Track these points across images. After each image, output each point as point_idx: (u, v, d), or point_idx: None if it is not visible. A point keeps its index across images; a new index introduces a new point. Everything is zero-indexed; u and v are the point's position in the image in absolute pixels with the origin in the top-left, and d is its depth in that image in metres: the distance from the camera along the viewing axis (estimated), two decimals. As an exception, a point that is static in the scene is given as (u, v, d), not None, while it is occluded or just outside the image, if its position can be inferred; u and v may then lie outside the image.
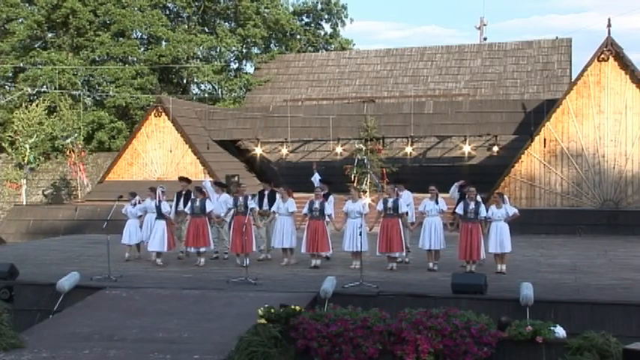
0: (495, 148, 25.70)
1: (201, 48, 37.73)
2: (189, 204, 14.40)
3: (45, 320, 10.49)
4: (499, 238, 12.86)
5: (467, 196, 13.11)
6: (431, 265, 13.53)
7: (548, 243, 17.74)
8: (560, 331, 8.86)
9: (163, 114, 26.34)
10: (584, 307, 9.94)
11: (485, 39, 36.73)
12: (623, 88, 21.62)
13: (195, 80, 38.58)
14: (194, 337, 9.16)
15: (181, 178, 15.99)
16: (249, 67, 40.59)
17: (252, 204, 14.33)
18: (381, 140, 26.08)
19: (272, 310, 9.29)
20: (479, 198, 13.44)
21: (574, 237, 19.32)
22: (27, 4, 35.48)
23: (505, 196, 13.86)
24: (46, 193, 31.15)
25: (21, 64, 34.18)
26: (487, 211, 12.96)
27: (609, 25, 21.63)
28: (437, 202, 13.57)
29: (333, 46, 42.24)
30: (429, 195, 13.71)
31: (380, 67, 33.29)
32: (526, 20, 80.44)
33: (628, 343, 8.25)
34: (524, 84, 30.37)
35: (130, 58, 35.56)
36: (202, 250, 14.41)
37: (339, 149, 26.89)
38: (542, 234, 19.07)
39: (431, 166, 26.92)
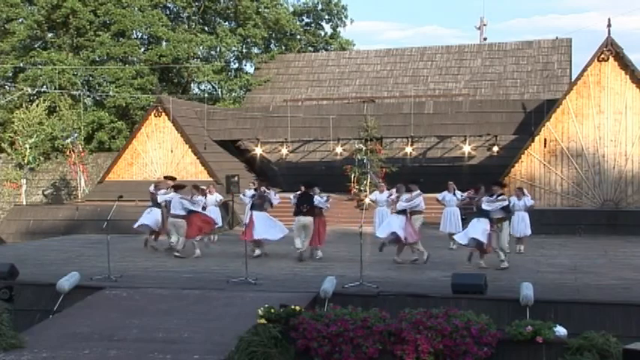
0: (495, 148, 25.73)
1: (201, 48, 37.75)
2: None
3: (45, 320, 10.47)
4: (521, 225, 15.62)
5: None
6: (451, 244, 16.22)
7: (548, 243, 17.74)
8: (561, 331, 8.86)
9: (163, 114, 26.34)
10: (584, 307, 9.93)
11: (485, 39, 36.74)
12: (623, 88, 21.62)
13: (196, 80, 38.59)
14: (194, 337, 9.16)
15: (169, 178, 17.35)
16: (249, 67, 40.66)
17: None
18: (381, 140, 26.10)
19: (272, 310, 9.28)
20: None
21: (574, 237, 19.32)
22: (27, 4, 35.48)
23: (525, 190, 16.79)
24: (46, 193, 31.15)
25: (21, 64, 34.19)
26: (509, 202, 14.79)
27: (609, 25, 21.64)
28: (454, 194, 16.41)
29: (333, 46, 42.24)
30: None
31: (380, 67, 33.30)
32: (527, 20, 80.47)
33: (628, 343, 8.24)
34: (524, 84, 30.39)
35: (130, 58, 35.55)
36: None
37: (339, 149, 26.90)
38: (542, 234, 19.07)
39: (431, 166, 26.94)
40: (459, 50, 33.00)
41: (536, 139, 22.30)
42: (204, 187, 17.19)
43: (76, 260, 15.32)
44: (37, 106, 29.12)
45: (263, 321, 9.06)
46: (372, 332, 8.97)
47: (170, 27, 36.82)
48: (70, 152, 28.26)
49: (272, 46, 40.74)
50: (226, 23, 39.96)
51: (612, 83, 21.67)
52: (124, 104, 33.90)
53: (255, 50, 39.90)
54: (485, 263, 13.51)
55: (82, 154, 28.45)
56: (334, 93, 32.35)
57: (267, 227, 15.02)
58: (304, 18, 42.79)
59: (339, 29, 42.69)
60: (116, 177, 26.72)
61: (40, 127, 28.59)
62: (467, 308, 9.59)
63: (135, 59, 35.72)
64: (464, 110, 25.52)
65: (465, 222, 17.34)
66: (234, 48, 38.71)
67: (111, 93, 33.75)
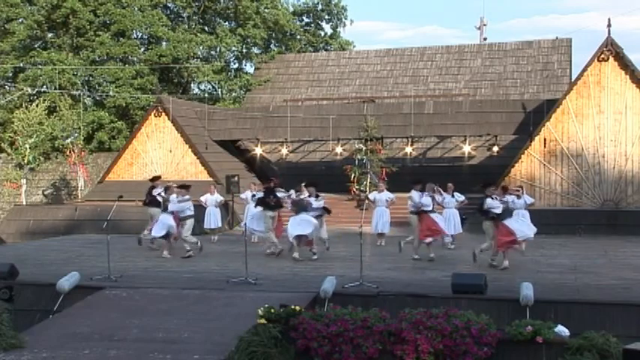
0: (495, 148, 25.73)
1: (201, 48, 37.74)
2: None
3: (45, 320, 10.48)
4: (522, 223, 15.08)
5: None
6: (450, 244, 16.47)
7: (548, 243, 17.71)
8: (564, 330, 8.86)
9: (163, 114, 26.34)
10: (584, 307, 9.93)
11: (485, 39, 36.74)
12: (623, 88, 21.61)
13: (196, 80, 38.58)
14: (194, 337, 9.16)
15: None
16: (249, 67, 40.65)
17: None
18: (381, 140, 26.09)
19: (272, 310, 9.28)
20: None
21: (574, 237, 19.31)
22: (27, 4, 35.45)
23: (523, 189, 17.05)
24: (46, 193, 31.14)
25: (21, 64, 34.16)
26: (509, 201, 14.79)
27: (609, 25, 21.63)
28: (453, 196, 16.64)
29: (332, 46, 42.24)
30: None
31: (380, 67, 33.30)
32: (527, 20, 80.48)
33: (628, 343, 8.24)
34: (524, 84, 30.38)
35: (130, 58, 35.55)
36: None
37: (339, 149, 26.89)
38: (542, 234, 19.02)
39: (431, 166, 26.93)
40: (459, 50, 32.99)
41: (536, 139, 22.29)
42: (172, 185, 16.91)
43: (76, 260, 15.32)
44: (37, 106, 29.11)
45: (263, 321, 9.07)
46: (372, 332, 8.97)
47: (170, 27, 36.80)
48: (70, 152, 28.25)
49: (272, 46, 40.72)
50: (226, 23, 39.95)
51: (612, 83, 21.66)
52: (124, 104, 33.88)
53: (255, 50, 39.89)
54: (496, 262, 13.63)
55: (82, 154, 28.44)
56: (334, 93, 32.34)
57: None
58: (304, 18, 42.81)
59: (338, 29, 42.75)
60: (116, 177, 26.71)
61: (40, 127, 28.58)
62: (467, 308, 9.60)
63: (135, 59, 35.71)
64: (464, 110, 25.51)
65: (465, 222, 17.45)
66: (234, 48, 38.70)
67: (111, 93, 33.74)
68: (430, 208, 14.57)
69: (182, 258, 15.31)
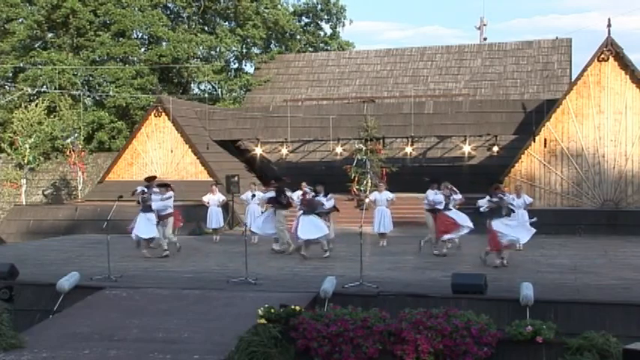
0: (495, 148, 25.73)
1: (201, 48, 37.74)
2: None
3: (45, 320, 10.48)
4: (521, 222, 15.23)
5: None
6: (448, 244, 15.96)
7: (548, 243, 17.71)
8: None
9: (163, 114, 26.34)
10: (584, 307, 9.93)
11: (485, 39, 36.74)
12: (623, 88, 21.61)
13: (196, 80, 38.58)
14: (194, 337, 9.16)
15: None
16: (249, 67, 40.66)
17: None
18: (381, 140, 26.09)
19: (272, 310, 9.29)
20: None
21: (574, 237, 19.30)
22: (27, 4, 35.45)
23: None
24: (46, 193, 31.13)
25: (21, 64, 34.16)
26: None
27: (609, 25, 21.62)
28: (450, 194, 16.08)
29: (332, 47, 42.24)
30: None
31: (380, 67, 33.30)
32: (527, 20, 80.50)
33: (628, 343, 8.24)
34: (524, 84, 30.38)
35: (130, 58, 35.54)
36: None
37: (339, 149, 26.89)
38: (542, 234, 19.02)
39: (431, 166, 26.92)
40: (459, 50, 32.99)
41: (537, 139, 22.29)
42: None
43: (76, 260, 15.33)
44: (37, 106, 29.10)
45: (263, 321, 9.07)
46: (372, 332, 8.98)
47: (170, 27, 36.81)
48: (70, 152, 28.25)
49: (272, 46, 40.73)
50: (226, 23, 39.96)
51: (612, 83, 21.65)
52: (124, 104, 33.87)
53: (255, 50, 39.90)
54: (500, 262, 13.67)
55: (82, 154, 28.43)
56: (334, 93, 32.34)
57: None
58: (304, 18, 42.82)
59: (338, 30, 42.79)
60: (116, 177, 26.70)
61: (40, 127, 28.58)
62: (467, 308, 9.60)
63: (135, 59, 35.70)
64: (464, 110, 25.50)
65: None
66: (234, 48, 38.71)
67: (111, 93, 33.73)
68: (442, 206, 15.15)
69: (160, 257, 15.39)
